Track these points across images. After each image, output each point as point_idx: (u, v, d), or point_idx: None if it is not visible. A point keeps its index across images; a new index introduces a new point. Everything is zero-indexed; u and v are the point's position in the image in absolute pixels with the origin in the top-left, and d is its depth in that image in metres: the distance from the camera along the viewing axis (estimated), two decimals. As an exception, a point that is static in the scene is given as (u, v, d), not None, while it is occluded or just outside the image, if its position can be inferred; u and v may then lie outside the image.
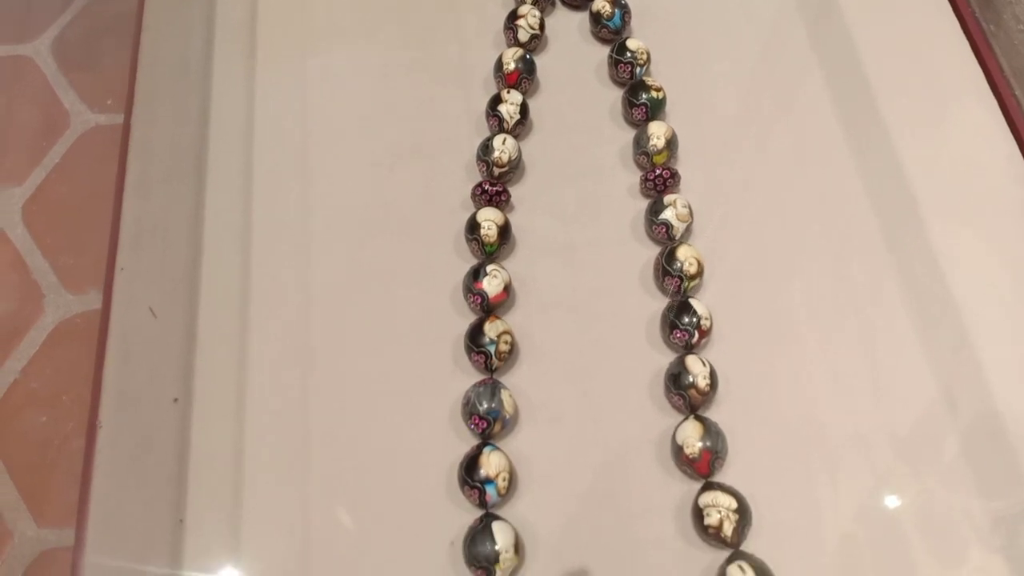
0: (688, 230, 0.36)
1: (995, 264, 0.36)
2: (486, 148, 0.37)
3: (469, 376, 0.33)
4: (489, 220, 0.35)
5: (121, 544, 0.30)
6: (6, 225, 0.55)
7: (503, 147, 0.36)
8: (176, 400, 0.33)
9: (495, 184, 0.36)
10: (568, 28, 0.42)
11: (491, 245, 0.35)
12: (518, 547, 0.30)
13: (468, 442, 0.32)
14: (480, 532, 0.29)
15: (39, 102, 0.62)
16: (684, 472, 0.32)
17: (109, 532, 0.30)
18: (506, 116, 0.38)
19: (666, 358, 0.34)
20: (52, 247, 0.55)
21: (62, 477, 0.49)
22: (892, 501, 0.31)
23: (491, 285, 0.34)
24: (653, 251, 0.36)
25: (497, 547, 0.29)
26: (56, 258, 0.56)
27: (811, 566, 0.30)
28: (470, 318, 0.34)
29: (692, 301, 0.34)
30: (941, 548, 0.31)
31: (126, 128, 0.39)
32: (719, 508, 0.30)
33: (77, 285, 0.53)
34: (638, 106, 0.38)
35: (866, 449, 0.32)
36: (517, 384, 0.34)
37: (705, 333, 0.33)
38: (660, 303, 0.35)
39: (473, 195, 0.36)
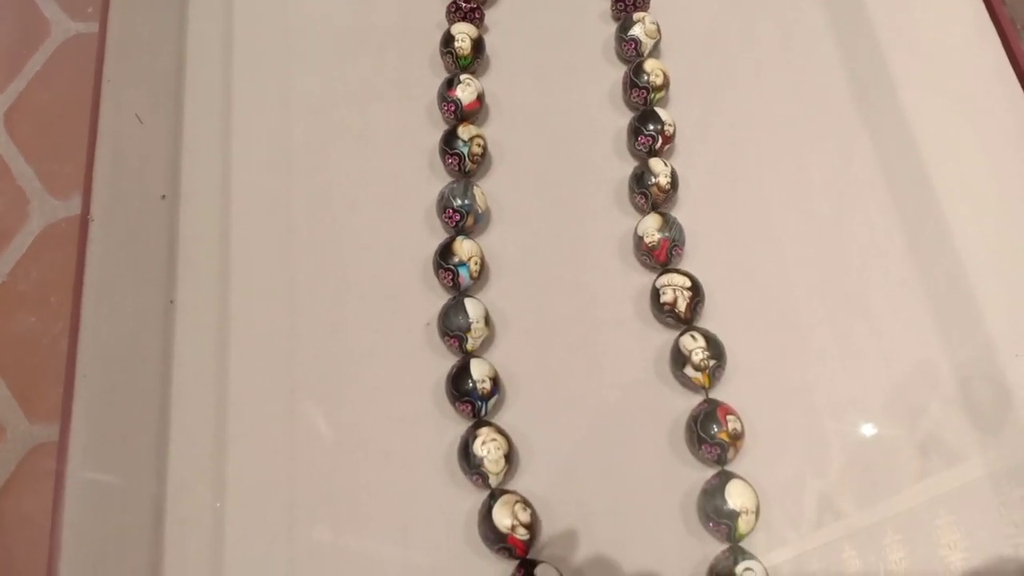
0: (656, 48, 0.38)
1: (963, 126, 0.37)
2: (461, -32, 0.38)
3: (443, 180, 0.35)
4: (463, 33, 0.36)
5: (115, 321, 0.32)
6: (-12, 132, 0.55)
7: (478, -34, 0.38)
8: (164, 197, 0.34)
9: (469, 1, 0.37)
10: None
11: (465, 58, 0.36)
12: (488, 320, 0.32)
13: (442, 237, 0.34)
14: (454, 307, 0.32)
15: (18, 11, 0.61)
16: (644, 263, 0.34)
17: (103, 310, 0.31)
18: (481, -62, 0.38)
19: (632, 166, 0.36)
20: (35, 154, 0.55)
21: (52, 375, 0.50)
22: (835, 286, 0.34)
23: (465, 93, 0.35)
24: (622, 70, 0.38)
25: (469, 319, 0.31)
26: (40, 165, 0.56)
27: (759, 344, 0.33)
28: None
29: (657, 109, 0.35)
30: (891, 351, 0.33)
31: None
32: (674, 287, 0.32)
33: (62, 191, 0.53)
34: (610, -68, 0.39)
35: (819, 248, 0.34)
36: (489, 189, 0.35)
37: (669, 139, 0.35)
38: (628, 119, 0.37)
39: (448, 12, 0.38)
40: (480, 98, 0.36)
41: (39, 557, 0.28)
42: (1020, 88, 0.36)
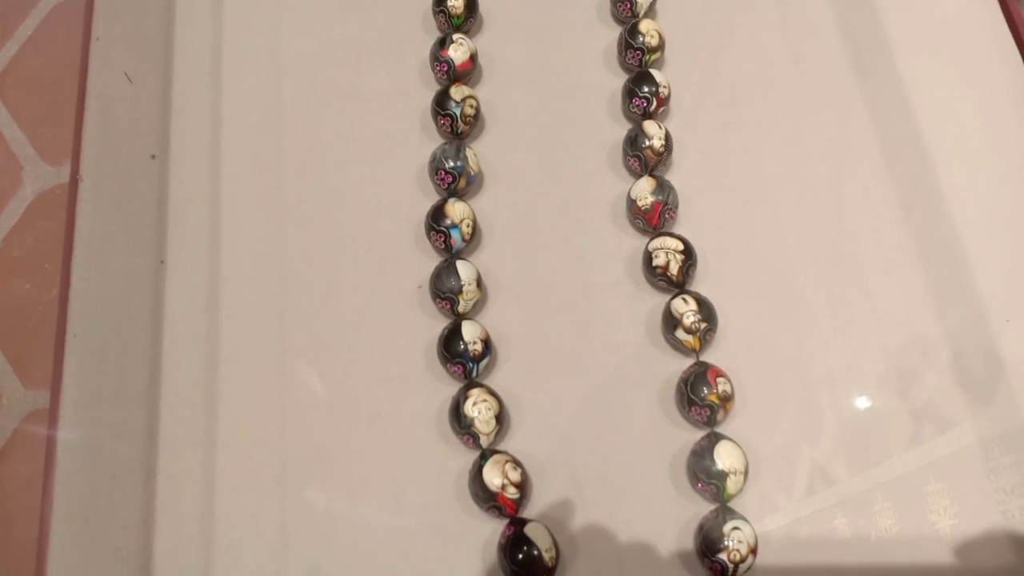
0: (652, 8, 0.37)
1: (960, 92, 0.36)
2: (455, -75, 0.37)
3: (435, 141, 0.35)
4: (456, -8, 0.36)
5: (105, 281, 0.32)
6: (-20, 98, 0.54)
7: (471, -77, 0.37)
8: (154, 157, 0.34)
9: (463, -41, 0.37)
10: None
11: (458, 17, 0.36)
12: (479, 282, 0.32)
13: (434, 199, 0.34)
14: (445, 269, 0.31)
15: (8, -26, 0.60)
16: (636, 226, 0.34)
17: (93, 270, 0.31)
18: None
19: (626, 129, 0.35)
20: (29, 119, 0.55)
21: (47, 341, 0.50)
22: (829, 252, 0.33)
23: (457, 52, 0.35)
24: (617, 31, 0.37)
25: (461, 281, 0.31)
26: (33, 130, 0.56)
27: (751, 308, 0.33)
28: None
29: (652, 71, 0.35)
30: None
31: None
32: (666, 250, 0.32)
33: (55, 157, 0.53)
34: None
35: (813, 213, 0.34)
36: (482, 151, 0.35)
37: (663, 101, 0.35)
38: (622, 80, 0.36)
39: (441, -29, 0.37)
40: (473, 58, 0.35)
41: (36, 521, 0.28)
42: (1018, 54, 0.36)
